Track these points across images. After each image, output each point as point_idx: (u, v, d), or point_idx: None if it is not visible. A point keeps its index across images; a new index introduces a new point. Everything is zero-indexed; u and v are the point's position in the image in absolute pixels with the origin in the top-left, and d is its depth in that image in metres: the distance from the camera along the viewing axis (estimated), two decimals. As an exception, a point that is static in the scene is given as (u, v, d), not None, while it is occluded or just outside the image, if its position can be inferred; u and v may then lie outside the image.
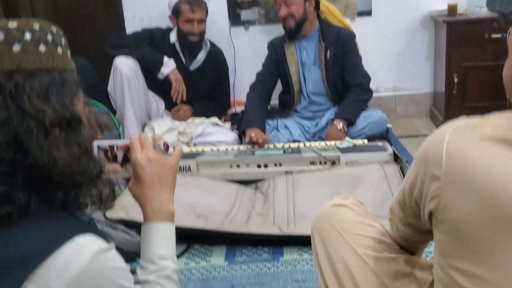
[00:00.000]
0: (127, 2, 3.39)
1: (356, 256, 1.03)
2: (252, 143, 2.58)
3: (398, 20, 3.39)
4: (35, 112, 0.72)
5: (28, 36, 0.75)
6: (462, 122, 0.73)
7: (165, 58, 2.91)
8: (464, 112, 0.99)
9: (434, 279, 0.82)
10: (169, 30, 3.10)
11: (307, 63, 2.92)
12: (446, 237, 0.73)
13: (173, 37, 3.06)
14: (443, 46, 3.13)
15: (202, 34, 3.01)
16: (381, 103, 3.46)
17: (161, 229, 1.00)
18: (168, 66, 2.91)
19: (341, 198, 1.15)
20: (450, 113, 3.00)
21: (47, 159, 0.72)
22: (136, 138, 1.04)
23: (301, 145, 2.60)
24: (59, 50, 0.78)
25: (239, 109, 3.20)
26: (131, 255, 1.64)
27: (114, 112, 2.90)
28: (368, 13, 3.40)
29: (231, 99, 3.36)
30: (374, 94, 3.08)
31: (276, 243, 1.88)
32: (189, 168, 2.40)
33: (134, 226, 1.91)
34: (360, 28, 3.17)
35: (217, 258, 1.85)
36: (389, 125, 2.93)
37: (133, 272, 0.82)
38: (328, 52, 2.83)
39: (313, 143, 2.62)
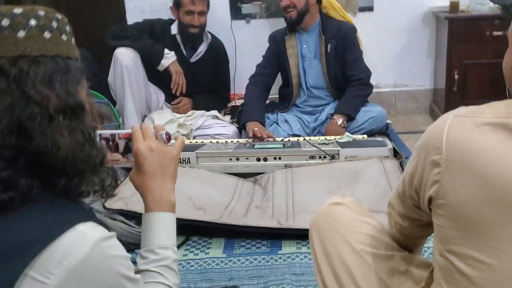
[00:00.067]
0: (128, -7, 3.38)
1: (353, 252, 1.04)
2: (255, 137, 2.58)
3: (399, 16, 3.39)
4: (39, 98, 0.72)
5: (33, 22, 0.74)
6: (462, 110, 0.74)
7: (166, 50, 2.90)
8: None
9: (434, 268, 0.83)
10: (171, 21, 3.09)
11: (307, 56, 2.92)
12: (446, 223, 0.73)
13: (174, 29, 3.05)
14: (444, 42, 3.13)
15: (202, 26, 3.00)
16: (381, 99, 3.46)
17: (162, 219, 1.00)
18: (169, 58, 2.90)
19: (339, 197, 1.16)
20: (450, 110, 2.98)
21: (50, 146, 0.72)
22: (138, 127, 1.04)
23: (301, 139, 2.60)
24: (64, 37, 0.78)
25: (239, 102, 3.20)
26: (129, 246, 1.65)
27: (114, 103, 2.90)
28: (370, 8, 3.40)
29: (231, 92, 3.36)
30: (374, 90, 3.08)
31: (275, 236, 1.89)
32: (189, 160, 2.40)
33: (133, 217, 1.91)
34: (362, 23, 3.17)
35: (215, 250, 1.85)
36: (388, 121, 2.93)
37: (133, 262, 0.82)
38: (329, 46, 2.83)
39: (313, 138, 2.63)
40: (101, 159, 0.81)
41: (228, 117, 3.09)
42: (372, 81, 2.94)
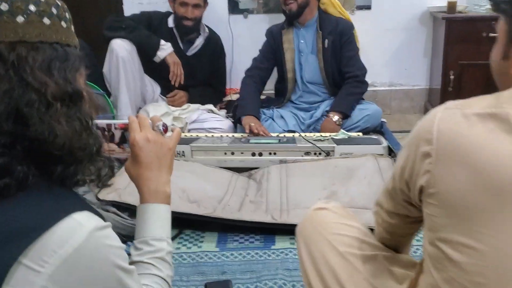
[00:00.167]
0: (126, -15, 3.36)
1: (337, 254, 1.05)
2: (251, 133, 2.58)
3: (397, 15, 3.39)
4: (37, 84, 0.71)
5: (32, 7, 0.73)
6: (452, 103, 0.76)
7: (162, 42, 2.88)
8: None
9: (424, 258, 0.84)
10: (168, 14, 3.07)
11: (304, 51, 2.91)
12: (437, 211, 0.74)
13: (171, 21, 3.04)
14: (441, 42, 3.13)
15: (196, 19, 2.98)
16: (376, 97, 3.47)
17: (157, 211, 1.00)
18: (165, 49, 2.88)
19: (323, 202, 1.18)
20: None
21: (48, 133, 0.71)
22: (135, 118, 1.04)
23: (296, 135, 2.60)
24: (63, 24, 0.77)
25: (235, 96, 3.19)
26: (122, 238, 1.64)
27: (109, 94, 2.88)
28: (368, 7, 3.40)
29: (227, 86, 3.36)
30: (370, 88, 3.08)
31: (268, 231, 1.89)
32: (183, 154, 2.40)
33: (126, 209, 1.90)
34: (359, 22, 3.16)
35: (208, 244, 1.85)
36: (383, 120, 2.94)
37: (127, 254, 0.81)
38: (326, 41, 2.82)
39: (308, 134, 2.63)
40: (98, 148, 0.80)
41: (223, 111, 3.08)
42: (368, 79, 2.95)
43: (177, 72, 2.93)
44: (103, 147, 0.83)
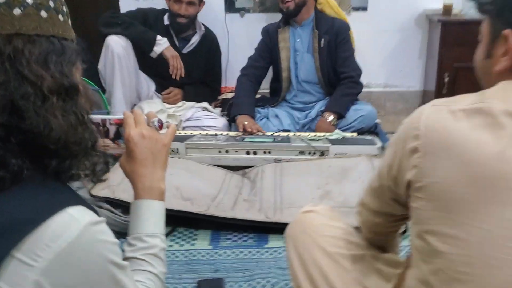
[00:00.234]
0: (122, -19, 3.35)
1: (326, 255, 1.06)
2: (245, 131, 2.57)
3: (393, 17, 3.40)
4: (34, 77, 0.71)
5: (29, 0, 0.73)
6: (438, 101, 0.78)
7: (158, 37, 2.87)
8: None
9: (412, 252, 0.85)
10: (164, 11, 3.06)
11: (300, 50, 2.91)
12: (424, 204, 0.75)
13: (166, 18, 3.03)
14: (436, 45, 3.14)
15: (190, 17, 2.97)
16: (371, 98, 3.47)
17: (151, 207, 1.00)
18: (161, 45, 2.87)
19: (311, 205, 1.20)
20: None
21: (43, 126, 0.71)
22: (130, 113, 1.03)
23: (291, 134, 2.60)
24: (61, 17, 0.77)
25: (230, 95, 3.19)
26: (115, 235, 1.64)
27: (104, 91, 2.87)
28: (364, 8, 3.40)
29: (223, 85, 3.35)
30: (365, 89, 3.09)
31: (262, 230, 1.89)
32: (177, 151, 2.39)
33: (119, 206, 1.90)
34: (355, 23, 3.17)
35: (201, 242, 1.85)
36: (378, 120, 2.95)
37: (121, 250, 0.81)
38: (322, 41, 2.83)
39: (303, 133, 2.63)
40: (93, 143, 0.80)
41: (218, 110, 3.08)
42: (363, 80, 2.95)
43: (176, 65, 2.91)
44: (99, 142, 0.83)
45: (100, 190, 1.93)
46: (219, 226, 1.91)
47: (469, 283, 0.71)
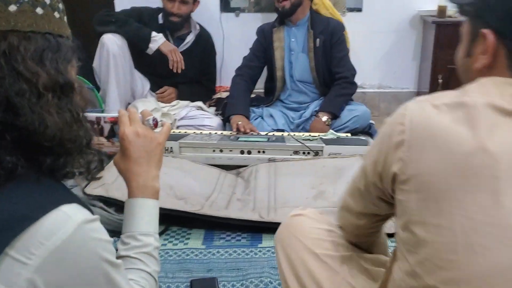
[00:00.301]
0: (117, -20, 3.34)
1: (315, 257, 1.07)
2: (239, 131, 2.57)
3: (387, 18, 3.41)
4: (29, 74, 0.70)
5: (25, -3, 0.73)
6: (421, 97, 0.81)
7: (153, 33, 2.86)
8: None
9: (397, 246, 0.86)
10: (159, 10, 3.06)
11: (295, 50, 2.92)
12: (410, 196, 0.77)
13: (161, 17, 3.03)
14: (430, 46, 3.16)
15: (183, 16, 2.96)
16: (365, 99, 3.49)
17: (145, 205, 1.00)
18: (157, 40, 2.86)
19: (299, 209, 1.21)
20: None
21: (38, 123, 0.70)
22: (125, 111, 1.03)
23: (286, 134, 2.61)
24: (56, 14, 0.77)
25: (224, 94, 3.19)
26: (108, 233, 1.63)
27: (98, 89, 2.86)
28: (359, 9, 3.42)
29: (217, 84, 3.35)
30: (359, 90, 3.10)
31: (255, 229, 1.88)
32: (171, 150, 2.39)
33: (113, 204, 1.89)
34: (350, 23, 3.18)
35: (195, 241, 1.84)
36: (372, 121, 2.95)
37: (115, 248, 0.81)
38: (318, 41, 2.83)
39: (297, 133, 2.63)
40: (88, 141, 0.80)
41: (212, 109, 3.07)
42: (357, 81, 2.96)
43: (176, 59, 2.90)
44: (93, 140, 0.83)
45: (94, 189, 1.92)
46: (213, 225, 1.91)
47: (454, 270, 0.72)
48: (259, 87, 3.14)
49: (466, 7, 0.85)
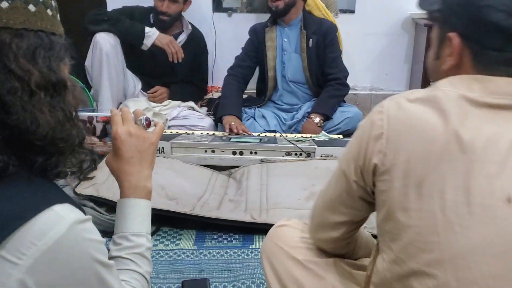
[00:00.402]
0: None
1: (299, 264, 1.08)
2: (231, 132, 2.57)
3: (380, 20, 3.43)
4: (21, 72, 0.69)
5: (17, -7, 0.72)
6: (396, 95, 0.87)
7: (147, 29, 2.83)
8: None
9: (379, 239, 0.89)
10: (150, 9, 3.04)
11: (288, 50, 2.91)
12: (391, 185, 0.81)
13: (152, 17, 3.01)
14: (422, 49, 3.17)
15: (172, 15, 2.94)
16: (357, 101, 3.49)
17: (137, 206, 0.99)
18: (151, 36, 2.84)
19: (284, 220, 1.23)
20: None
21: (30, 122, 0.69)
22: (117, 111, 1.02)
23: (278, 135, 2.60)
24: (49, 12, 0.75)
25: (216, 95, 3.18)
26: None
27: (89, 88, 2.84)
28: (351, 11, 3.43)
29: (209, 84, 3.34)
30: (351, 92, 3.11)
31: (247, 231, 1.88)
32: (163, 150, 2.37)
33: (104, 204, 1.88)
34: (343, 25, 3.18)
35: (186, 242, 1.83)
36: (364, 123, 2.96)
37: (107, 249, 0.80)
38: (310, 41, 2.83)
39: (289, 135, 2.63)
40: (81, 140, 0.79)
41: (204, 109, 3.06)
42: (349, 82, 2.97)
43: (173, 50, 2.88)
44: (86, 140, 0.82)
45: (84, 189, 1.91)
46: (204, 226, 1.90)
47: (436, 251, 0.76)
48: (251, 88, 3.14)
49: (434, 13, 0.91)
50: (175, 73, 3.06)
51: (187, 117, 2.88)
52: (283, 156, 2.38)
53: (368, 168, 0.85)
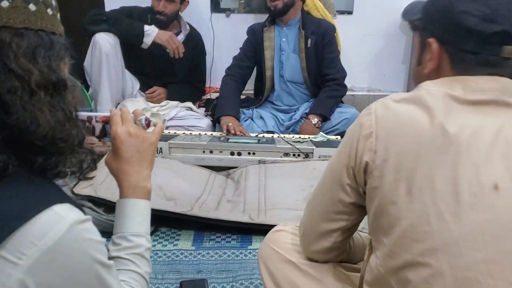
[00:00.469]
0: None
1: (295, 267, 1.09)
2: (229, 132, 2.57)
3: (378, 21, 3.43)
4: (21, 71, 0.69)
5: (18, -8, 0.71)
6: (383, 98, 0.90)
7: (146, 27, 2.83)
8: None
9: (371, 238, 0.90)
10: (149, 10, 3.04)
11: (286, 50, 2.91)
12: (382, 181, 0.84)
13: (150, 17, 3.01)
14: (420, 50, 3.17)
15: (169, 15, 2.93)
16: (354, 102, 3.50)
17: (137, 206, 0.99)
18: (150, 34, 2.83)
19: (281, 225, 1.24)
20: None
21: (30, 121, 0.69)
22: (117, 111, 1.02)
23: (276, 136, 2.60)
24: (49, 11, 0.75)
25: (214, 95, 3.18)
26: (98, 234, 1.62)
27: (87, 88, 2.83)
28: (349, 12, 3.43)
29: (207, 85, 3.34)
30: (349, 92, 3.11)
31: (245, 231, 1.88)
32: (161, 150, 2.37)
33: (102, 204, 1.88)
34: (341, 26, 3.19)
35: (184, 243, 1.83)
36: (361, 124, 2.96)
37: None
38: (309, 41, 2.83)
39: (287, 135, 2.63)
40: (81, 140, 0.79)
41: (202, 110, 3.06)
42: (347, 83, 2.97)
43: (174, 46, 2.88)
44: (86, 139, 0.82)
45: (83, 188, 1.90)
46: (202, 226, 1.90)
47: (429, 240, 0.77)
48: (248, 88, 3.14)
49: (416, 22, 0.97)
50: (174, 73, 3.06)
51: (185, 117, 2.88)
52: (281, 157, 2.38)
53: (359, 167, 0.88)
